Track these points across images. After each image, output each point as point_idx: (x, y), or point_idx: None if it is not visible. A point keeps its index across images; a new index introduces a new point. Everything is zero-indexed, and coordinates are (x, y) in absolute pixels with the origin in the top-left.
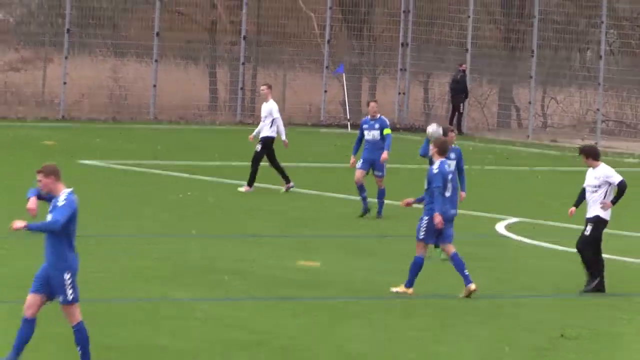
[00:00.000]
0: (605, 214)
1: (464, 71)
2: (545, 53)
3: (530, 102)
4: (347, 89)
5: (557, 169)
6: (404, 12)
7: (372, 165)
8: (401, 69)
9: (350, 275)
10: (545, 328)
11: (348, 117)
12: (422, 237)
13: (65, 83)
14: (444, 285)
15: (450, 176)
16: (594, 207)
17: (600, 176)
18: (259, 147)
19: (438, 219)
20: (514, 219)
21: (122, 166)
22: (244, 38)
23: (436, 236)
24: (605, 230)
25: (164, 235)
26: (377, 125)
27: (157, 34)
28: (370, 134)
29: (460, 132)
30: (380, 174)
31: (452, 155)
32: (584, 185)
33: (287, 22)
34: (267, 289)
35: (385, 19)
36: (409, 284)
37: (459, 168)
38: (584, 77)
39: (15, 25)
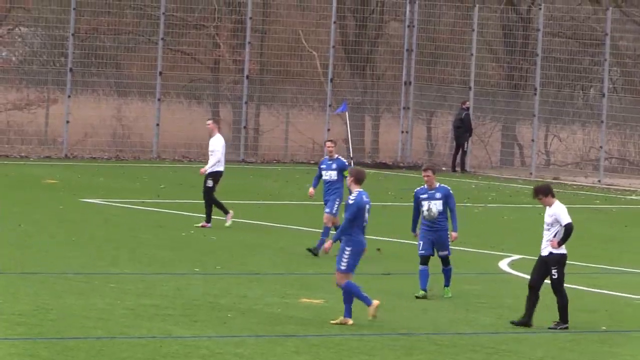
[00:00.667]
0: (563, 250)
1: (467, 108)
2: (548, 91)
3: (533, 140)
4: (349, 127)
5: None
6: (406, 50)
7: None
8: (404, 108)
9: (353, 312)
10: None
11: (351, 155)
12: (343, 268)
13: (68, 122)
14: (446, 322)
15: (367, 207)
16: (549, 246)
17: (552, 214)
18: (210, 182)
19: (328, 245)
20: (516, 256)
21: (125, 205)
22: (247, 77)
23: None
24: (609, 267)
25: (167, 273)
26: (334, 166)
27: (160, 73)
28: (327, 174)
29: (463, 170)
30: (329, 211)
31: (438, 195)
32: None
33: (290, 60)
34: (270, 326)
35: (388, 58)
36: (348, 314)
37: (450, 208)
38: (587, 115)
39: (18, 64)
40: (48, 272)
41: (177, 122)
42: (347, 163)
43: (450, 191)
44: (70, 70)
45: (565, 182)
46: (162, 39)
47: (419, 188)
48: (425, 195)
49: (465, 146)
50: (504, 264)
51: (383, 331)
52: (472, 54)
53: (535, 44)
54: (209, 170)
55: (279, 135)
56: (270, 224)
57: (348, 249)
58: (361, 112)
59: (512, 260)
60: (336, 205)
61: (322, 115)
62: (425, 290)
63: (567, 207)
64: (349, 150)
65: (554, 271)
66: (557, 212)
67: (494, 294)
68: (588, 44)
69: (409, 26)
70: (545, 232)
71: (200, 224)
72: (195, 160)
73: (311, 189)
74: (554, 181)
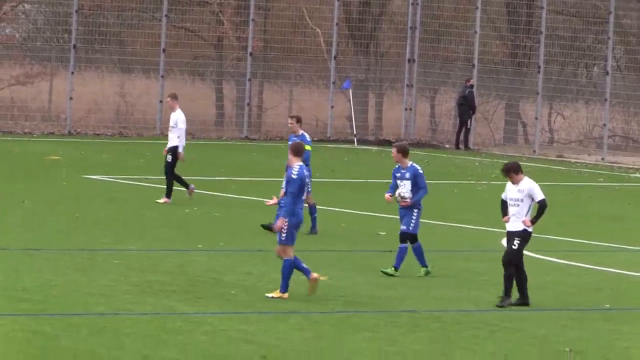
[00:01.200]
0: (530, 228)
1: (471, 86)
2: (551, 69)
3: (536, 118)
4: (353, 104)
5: (563, 184)
6: (410, 28)
7: None
8: (408, 85)
9: (356, 289)
10: (550, 342)
11: (355, 132)
12: (284, 240)
13: (71, 98)
14: (449, 299)
15: (307, 180)
16: (518, 221)
17: (524, 190)
18: (169, 157)
19: (280, 222)
20: None
21: (128, 181)
22: (251, 54)
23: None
24: (612, 245)
25: (171, 249)
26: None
27: (164, 50)
28: None
29: (467, 147)
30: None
31: (407, 175)
32: (504, 197)
33: (294, 38)
34: (273, 303)
35: (392, 35)
36: (284, 289)
37: (418, 186)
38: (590, 93)
39: (21, 41)
40: (52, 248)
41: (180, 99)
42: (309, 139)
43: (419, 171)
44: (74, 46)
45: (569, 159)
46: (166, 15)
47: (397, 167)
48: (398, 174)
49: (469, 124)
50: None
51: (386, 308)
52: (475, 32)
53: (539, 22)
54: (167, 146)
55: (283, 112)
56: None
57: (287, 220)
58: (365, 89)
59: None
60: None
61: (325, 93)
62: (396, 267)
63: (571, 185)
64: (353, 127)
65: (516, 241)
66: (531, 187)
67: (497, 272)
68: (592, 22)
69: (412, 3)
70: (512, 208)
71: (161, 200)
72: (199, 137)
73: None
74: (557, 159)
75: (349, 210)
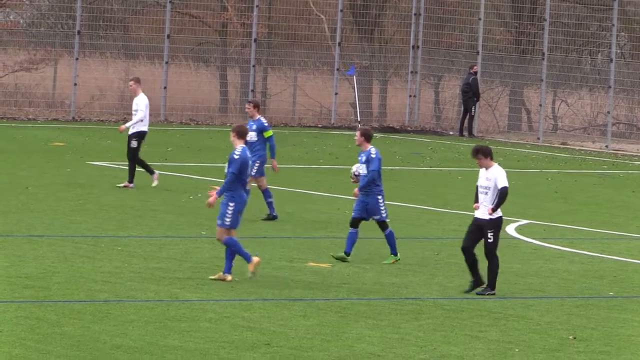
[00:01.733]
0: (499, 213)
1: (475, 73)
2: (556, 56)
3: (540, 105)
4: (357, 91)
5: (567, 171)
6: (414, 14)
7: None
8: (412, 72)
9: (360, 276)
10: (554, 330)
11: (359, 119)
12: (228, 224)
13: (75, 84)
14: (453, 287)
15: (250, 162)
16: (486, 209)
17: (491, 178)
18: (134, 142)
19: (212, 198)
20: (524, 221)
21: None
22: (255, 40)
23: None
24: (616, 233)
25: (175, 236)
26: (254, 127)
27: (168, 36)
28: (248, 136)
29: (471, 134)
30: (258, 174)
31: (363, 159)
32: (477, 184)
33: (298, 24)
34: (277, 290)
35: (396, 22)
36: (228, 270)
37: (368, 170)
38: (594, 80)
39: (25, 27)
40: (55, 235)
41: (184, 85)
42: (267, 124)
43: (372, 155)
44: (78, 32)
45: (573, 147)
46: (170, 1)
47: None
48: (359, 158)
49: (473, 111)
50: (511, 229)
51: (390, 296)
52: (480, 19)
53: (543, 9)
54: (131, 130)
55: (287, 98)
56: (277, 187)
57: (232, 204)
58: (369, 76)
59: (520, 225)
60: (255, 167)
61: (329, 79)
62: (347, 253)
63: (575, 173)
64: (357, 114)
65: (490, 234)
66: (496, 175)
67: (502, 259)
68: (596, 9)
69: None
70: (481, 196)
71: (122, 184)
72: (203, 123)
73: None
74: (561, 146)
75: (352, 198)
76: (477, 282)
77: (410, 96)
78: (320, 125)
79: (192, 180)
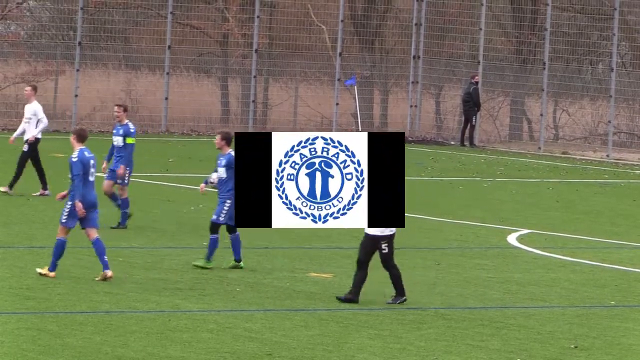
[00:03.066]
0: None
1: (476, 83)
2: (557, 65)
3: (541, 114)
4: (358, 101)
5: (568, 180)
6: (415, 24)
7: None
8: (413, 82)
9: (363, 291)
10: (556, 339)
11: (359, 129)
12: (64, 221)
13: (76, 96)
14: (454, 297)
15: (92, 162)
16: None
17: None
18: (26, 147)
19: (78, 206)
20: (525, 231)
21: (133, 179)
22: (256, 51)
23: (80, 221)
24: (617, 242)
25: (176, 247)
26: (121, 132)
27: (169, 47)
28: (115, 140)
29: (472, 144)
30: (120, 182)
31: (223, 162)
32: None
33: (299, 34)
34: (278, 301)
35: (397, 32)
36: (53, 268)
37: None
38: (595, 90)
39: (27, 39)
40: None
41: (185, 96)
42: (133, 130)
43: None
44: (79, 44)
45: (574, 156)
46: (172, 12)
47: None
48: (218, 161)
49: (474, 120)
50: (512, 239)
51: (392, 306)
52: (481, 28)
53: (544, 19)
54: (27, 137)
55: (288, 109)
56: None
57: (69, 204)
58: (370, 86)
59: (521, 235)
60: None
61: (330, 90)
62: (208, 260)
63: (576, 182)
64: (358, 124)
65: (383, 245)
66: None
67: (503, 269)
68: (597, 19)
69: (417, 0)
70: None
71: (38, 193)
72: (204, 133)
73: (104, 164)
74: (562, 155)
75: None
76: (353, 297)
77: (411, 106)
78: None
79: (193, 191)
